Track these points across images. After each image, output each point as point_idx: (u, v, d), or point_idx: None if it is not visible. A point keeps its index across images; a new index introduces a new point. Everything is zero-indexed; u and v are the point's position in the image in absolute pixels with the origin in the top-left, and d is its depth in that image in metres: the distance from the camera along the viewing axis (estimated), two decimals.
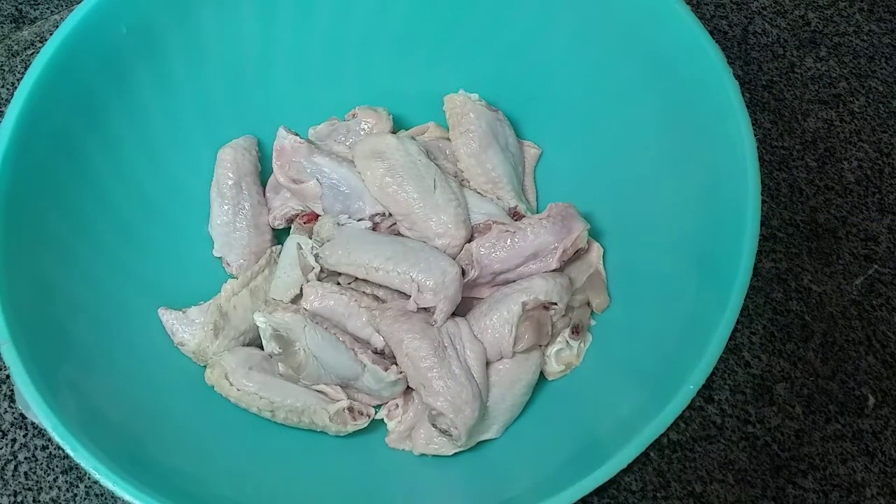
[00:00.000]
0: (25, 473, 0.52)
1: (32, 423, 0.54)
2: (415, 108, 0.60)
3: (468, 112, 0.55)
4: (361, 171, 0.54)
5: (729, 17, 0.72)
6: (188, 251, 0.55)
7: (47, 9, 0.71)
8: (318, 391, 0.50)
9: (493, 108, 0.56)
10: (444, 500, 0.49)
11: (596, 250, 0.54)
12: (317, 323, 0.49)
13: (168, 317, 0.51)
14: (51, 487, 0.52)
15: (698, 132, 0.47)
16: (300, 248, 0.54)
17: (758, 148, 0.44)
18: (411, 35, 0.58)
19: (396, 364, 0.50)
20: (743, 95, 0.45)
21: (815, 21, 0.72)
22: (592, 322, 0.53)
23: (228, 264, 0.55)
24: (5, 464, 0.53)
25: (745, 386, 0.56)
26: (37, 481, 0.52)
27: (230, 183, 0.55)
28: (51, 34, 0.48)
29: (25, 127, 0.45)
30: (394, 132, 0.57)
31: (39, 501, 0.52)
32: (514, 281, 0.52)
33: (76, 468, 0.53)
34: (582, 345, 0.52)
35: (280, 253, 0.55)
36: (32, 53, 0.67)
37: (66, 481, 0.52)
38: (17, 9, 0.71)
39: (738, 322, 0.41)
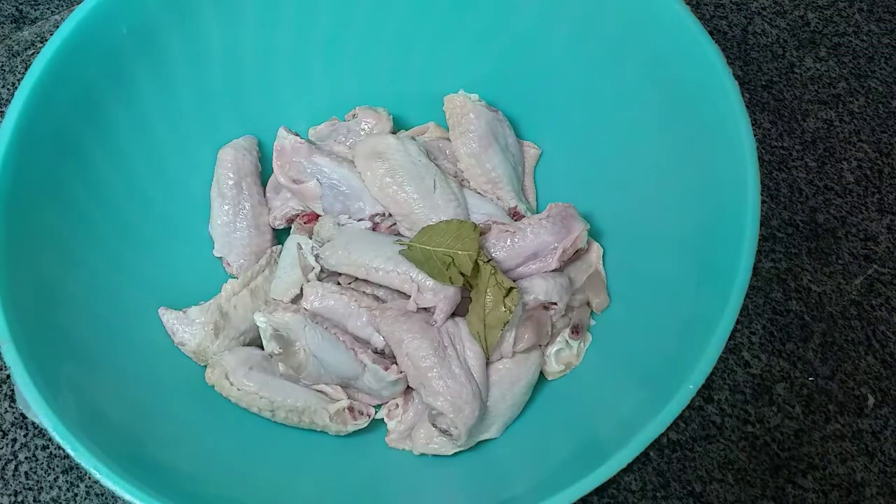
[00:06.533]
0: (26, 473, 0.52)
1: (33, 423, 0.54)
2: (415, 108, 0.60)
3: (468, 112, 0.55)
4: (362, 171, 0.54)
5: (729, 17, 0.72)
6: (188, 251, 0.55)
7: (48, 9, 0.71)
8: (318, 391, 0.50)
9: (493, 108, 0.56)
10: (444, 499, 0.49)
11: (596, 250, 0.54)
12: (317, 323, 0.49)
13: (168, 317, 0.51)
14: (51, 487, 0.52)
15: (698, 132, 0.47)
16: (300, 248, 0.54)
17: (758, 148, 0.44)
18: (411, 35, 0.58)
19: (396, 364, 0.50)
20: (743, 95, 0.45)
21: (814, 21, 0.72)
22: (592, 322, 0.53)
23: (229, 264, 0.55)
24: (6, 463, 0.53)
25: (744, 386, 0.56)
26: (37, 481, 0.52)
27: (230, 183, 0.55)
28: (51, 34, 0.48)
29: (26, 127, 0.45)
30: (394, 132, 0.57)
31: (40, 501, 0.52)
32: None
33: (76, 468, 0.53)
34: (582, 345, 0.52)
35: (280, 253, 0.55)
36: (33, 54, 0.68)
37: (67, 481, 0.52)
38: (17, 9, 0.71)
39: (737, 322, 0.42)
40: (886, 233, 0.62)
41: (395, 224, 0.54)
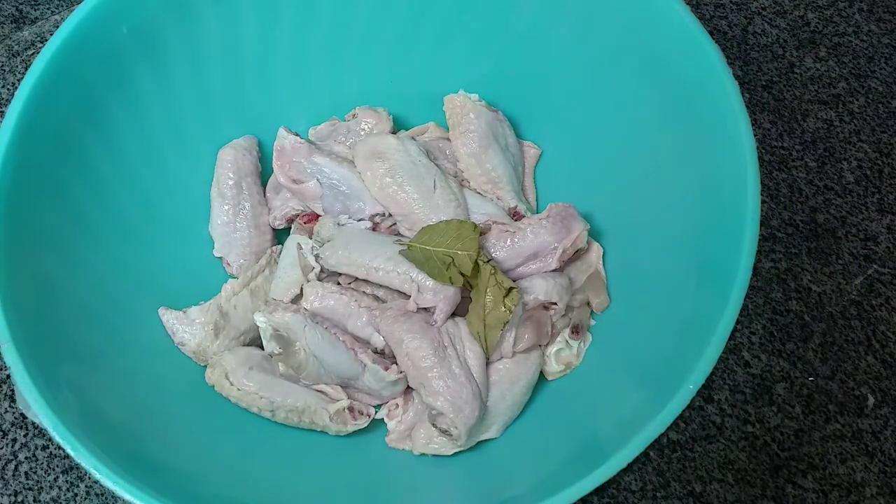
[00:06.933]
0: (26, 473, 0.52)
1: (33, 423, 0.54)
2: (415, 108, 0.60)
3: (468, 112, 0.55)
4: (362, 171, 0.54)
5: (729, 17, 0.72)
6: (188, 251, 0.55)
7: (48, 9, 0.71)
8: (318, 391, 0.50)
9: (493, 108, 0.56)
10: (444, 499, 0.49)
11: (596, 250, 0.54)
12: (317, 323, 0.49)
13: (168, 317, 0.51)
14: (51, 487, 0.52)
15: (698, 132, 0.47)
16: (300, 248, 0.54)
17: (757, 148, 0.44)
18: (411, 35, 0.58)
19: (396, 364, 0.50)
20: (743, 95, 0.45)
21: (814, 21, 0.72)
22: (592, 322, 0.53)
23: (229, 264, 0.55)
24: (6, 463, 0.53)
25: (744, 386, 0.56)
26: (37, 481, 0.52)
27: (230, 183, 0.55)
28: (51, 34, 0.48)
29: (26, 127, 0.45)
30: (394, 132, 0.57)
31: (40, 501, 0.52)
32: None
33: (76, 468, 0.53)
34: (582, 345, 0.52)
35: (280, 253, 0.55)
36: (33, 54, 0.68)
37: (67, 481, 0.52)
38: (17, 9, 0.71)
39: (737, 322, 0.41)
40: (886, 233, 0.62)
41: (395, 224, 0.54)
